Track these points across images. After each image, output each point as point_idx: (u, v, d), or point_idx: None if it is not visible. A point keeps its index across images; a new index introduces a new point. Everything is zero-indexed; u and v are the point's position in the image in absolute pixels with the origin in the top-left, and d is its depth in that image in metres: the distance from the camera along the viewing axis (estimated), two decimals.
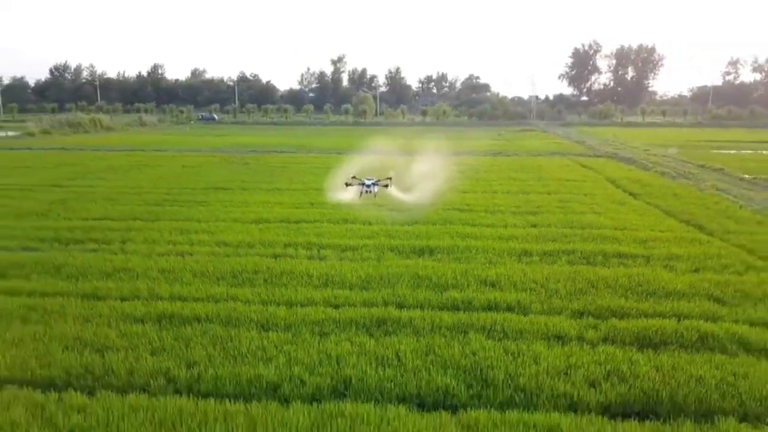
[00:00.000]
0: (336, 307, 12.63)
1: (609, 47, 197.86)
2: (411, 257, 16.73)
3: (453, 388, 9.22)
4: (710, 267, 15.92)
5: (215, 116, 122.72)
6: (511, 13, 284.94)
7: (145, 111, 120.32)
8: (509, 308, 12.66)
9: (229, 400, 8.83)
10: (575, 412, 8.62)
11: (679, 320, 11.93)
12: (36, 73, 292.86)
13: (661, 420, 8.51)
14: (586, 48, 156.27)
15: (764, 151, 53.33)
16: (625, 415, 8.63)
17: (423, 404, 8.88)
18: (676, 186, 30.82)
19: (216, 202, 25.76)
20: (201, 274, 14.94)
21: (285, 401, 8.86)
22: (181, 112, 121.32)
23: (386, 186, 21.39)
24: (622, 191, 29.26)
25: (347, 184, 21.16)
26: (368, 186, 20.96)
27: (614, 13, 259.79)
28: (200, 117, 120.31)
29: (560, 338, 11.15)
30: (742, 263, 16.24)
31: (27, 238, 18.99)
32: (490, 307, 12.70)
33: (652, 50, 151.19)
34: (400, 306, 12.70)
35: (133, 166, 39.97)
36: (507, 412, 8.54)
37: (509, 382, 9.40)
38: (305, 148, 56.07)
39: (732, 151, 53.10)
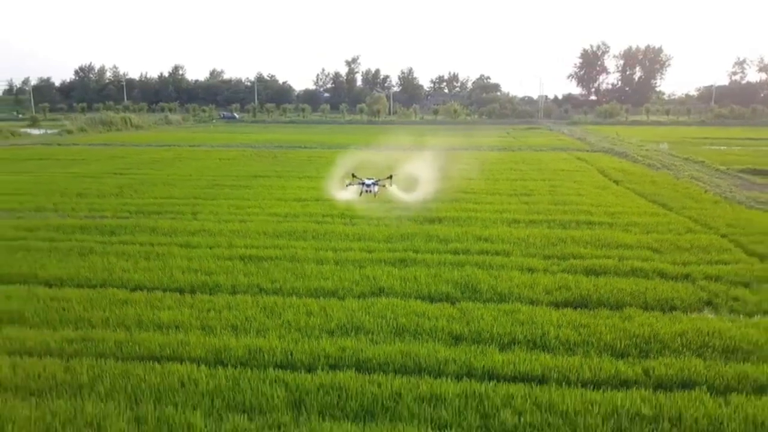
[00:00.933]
0: (369, 252, 17.20)
1: (617, 48, 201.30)
2: (424, 224, 21.24)
3: (452, 292, 13.76)
4: (659, 230, 20.29)
5: (236, 115, 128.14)
6: (521, 14, 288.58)
7: (170, 110, 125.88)
8: (496, 253, 17.16)
9: (305, 298, 13.42)
10: (532, 304, 13.11)
11: (620, 260, 16.35)
12: (59, 73, 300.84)
13: (588, 309, 12.97)
14: (595, 49, 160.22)
15: (752, 147, 57.12)
16: (565, 307, 13.09)
17: (432, 300, 13.40)
18: (656, 175, 35.10)
19: (258, 186, 30.43)
20: (263, 233, 19.59)
21: (341, 298, 13.42)
22: (204, 111, 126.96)
23: (385, 186, 20.96)
24: (607, 179, 33.60)
25: (348, 184, 21.00)
26: (368, 185, 20.60)
27: (622, 15, 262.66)
28: (222, 116, 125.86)
29: (531, 270, 15.62)
30: (684, 228, 20.62)
31: (116, 210, 23.78)
32: (482, 252, 17.21)
33: (659, 51, 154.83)
34: (416, 251, 17.25)
35: (175, 158, 44.85)
36: (486, 304, 13.05)
37: (490, 290, 13.90)
38: (326, 144, 60.67)
39: (723, 147, 56.94)
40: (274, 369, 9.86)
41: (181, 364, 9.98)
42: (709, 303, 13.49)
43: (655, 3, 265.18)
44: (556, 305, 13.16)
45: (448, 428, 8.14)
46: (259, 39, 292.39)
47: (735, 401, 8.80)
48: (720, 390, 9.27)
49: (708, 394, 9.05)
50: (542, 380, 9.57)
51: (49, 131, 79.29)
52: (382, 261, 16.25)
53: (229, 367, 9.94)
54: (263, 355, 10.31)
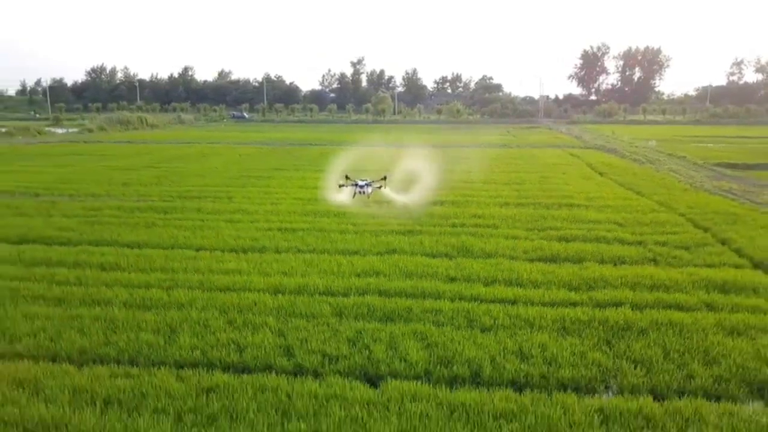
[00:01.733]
0: (382, 225, 20.88)
1: (617, 49, 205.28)
2: (427, 206, 24.88)
3: (449, 252, 17.43)
4: (627, 210, 23.90)
5: (246, 115, 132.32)
6: (523, 16, 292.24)
7: (182, 110, 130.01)
8: (487, 226, 20.82)
9: (334, 255, 17.09)
10: (512, 259, 16.76)
11: (588, 231, 19.98)
12: (65, 74, 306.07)
13: (556, 263, 16.60)
14: (595, 50, 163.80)
15: (737, 144, 60.52)
16: (538, 261, 16.73)
17: (434, 256, 17.04)
18: (639, 168, 38.68)
19: (280, 177, 34.15)
20: (293, 212, 23.30)
21: (362, 255, 17.09)
22: (215, 110, 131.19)
23: (380, 187, 20.34)
24: (594, 171, 37.20)
25: (340, 185, 20.54)
26: (361, 187, 20.36)
27: (622, 16, 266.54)
28: (232, 116, 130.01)
29: (514, 237, 19.28)
30: (650, 209, 24.24)
31: (161, 196, 27.50)
32: (475, 225, 20.88)
33: (658, 52, 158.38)
34: (421, 225, 20.91)
35: (198, 154, 48.64)
36: (476, 259, 16.70)
37: (480, 250, 17.55)
38: (335, 141, 64.30)
39: (709, 144, 60.40)
40: (319, 295, 13.56)
41: (250, 292, 13.67)
42: (653, 260, 17.07)
43: (655, 5, 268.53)
44: (531, 260, 16.79)
45: (444, 325, 11.80)
46: (266, 40, 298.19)
47: (647, 312, 12.45)
48: (640, 307, 12.90)
49: (630, 309, 12.69)
50: (513, 302, 13.21)
51: (70, 130, 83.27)
52: (394, 231, 19.92)
53: (286, 294, 13.62)
54: (309, 288, 13.99)
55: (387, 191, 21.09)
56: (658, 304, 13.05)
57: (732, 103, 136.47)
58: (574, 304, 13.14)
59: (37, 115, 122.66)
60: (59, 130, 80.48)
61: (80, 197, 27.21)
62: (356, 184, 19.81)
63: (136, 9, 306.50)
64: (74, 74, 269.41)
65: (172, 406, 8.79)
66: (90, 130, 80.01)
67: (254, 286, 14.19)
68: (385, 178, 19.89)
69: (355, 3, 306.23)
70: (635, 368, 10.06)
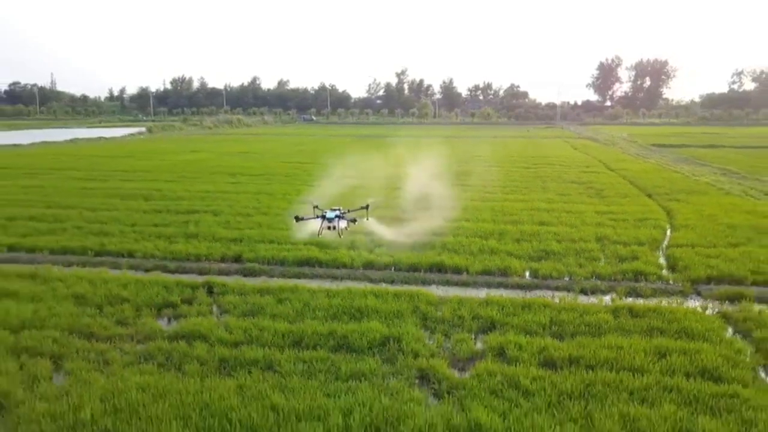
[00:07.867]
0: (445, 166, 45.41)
1: (629, 61, 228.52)
2: (474, 156, 49.08)
3: (480, 167, 41.82)
4: (573, 159, 47.79)
5: (313, 117, 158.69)
6: (548, 32, 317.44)
7: (261, 113, 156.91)
8: (501, 162, 45.09)
9: None
10: (510, 168, 40.96)
11: (547, 162, 44.07)
12: (138, 83, 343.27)
13: (528, 169, 40.73)
14: (610, 62, 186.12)
15: (690, 137, 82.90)
16: (520, 168, 40.89)
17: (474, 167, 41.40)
18: (602, 147, 62.30)
19: (379, 154, 58.79)
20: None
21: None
22: (288, 114, 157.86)
23: (354, 221, 15.05)
24: (571, 148, 61.01)
25: (298, 219, 15.04)
26: (330, 220, 14.76)
27: (635, 32, 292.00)
28: (302, 118, 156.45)
29: (512, 163, 43.48)
30: (586, 158, 48.13)
31: (326, 156, 52.28)
32: (495, 161, 45.19)
33: (665, 63, 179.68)
34: (469, 162, 45.29)
35: (312, 141, 73.69)
36: (495, 168, 40.99)
37: (497, 166, 41.83)
38: (397, 135, 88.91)
39: (668, 137, 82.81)
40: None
41: None
42: (570, 169, 40.95)
43: (666, 21, 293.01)
44: (517, 168, 40.90)
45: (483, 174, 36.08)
46: (318, 53, 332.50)
47: (555, 173, 36.63)
48: (551, 172, 37.02)
49: (547, 174, 36.82)
50: (508, 173, 37.40)
51: (191, 128, 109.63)
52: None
53: None
54: None
55: (371, 223, 16.20)
56: (558, 173, 37.15)
57: (732, 108, 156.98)
58: (527, 174, 37.31)
59: (144, 118, 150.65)
60: (188, 128, 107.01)
61: (284, 155, 52.15)
62: (323, 216, 14.70)
63: (207, 26, 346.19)
64: (145, 82, 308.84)
65: None
66: (210, 128, 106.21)
67: None
68: (367, 207, 15.08)
69: (399, 19, 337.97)
70: (539, 180, 34.19)
